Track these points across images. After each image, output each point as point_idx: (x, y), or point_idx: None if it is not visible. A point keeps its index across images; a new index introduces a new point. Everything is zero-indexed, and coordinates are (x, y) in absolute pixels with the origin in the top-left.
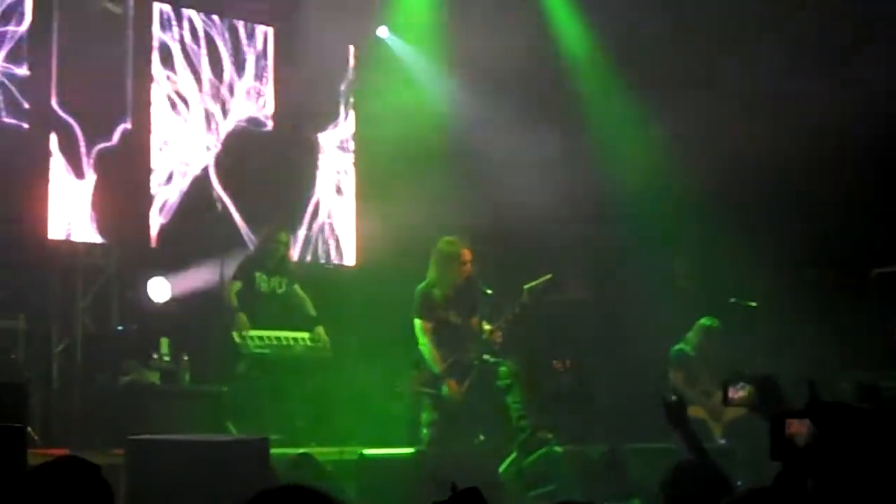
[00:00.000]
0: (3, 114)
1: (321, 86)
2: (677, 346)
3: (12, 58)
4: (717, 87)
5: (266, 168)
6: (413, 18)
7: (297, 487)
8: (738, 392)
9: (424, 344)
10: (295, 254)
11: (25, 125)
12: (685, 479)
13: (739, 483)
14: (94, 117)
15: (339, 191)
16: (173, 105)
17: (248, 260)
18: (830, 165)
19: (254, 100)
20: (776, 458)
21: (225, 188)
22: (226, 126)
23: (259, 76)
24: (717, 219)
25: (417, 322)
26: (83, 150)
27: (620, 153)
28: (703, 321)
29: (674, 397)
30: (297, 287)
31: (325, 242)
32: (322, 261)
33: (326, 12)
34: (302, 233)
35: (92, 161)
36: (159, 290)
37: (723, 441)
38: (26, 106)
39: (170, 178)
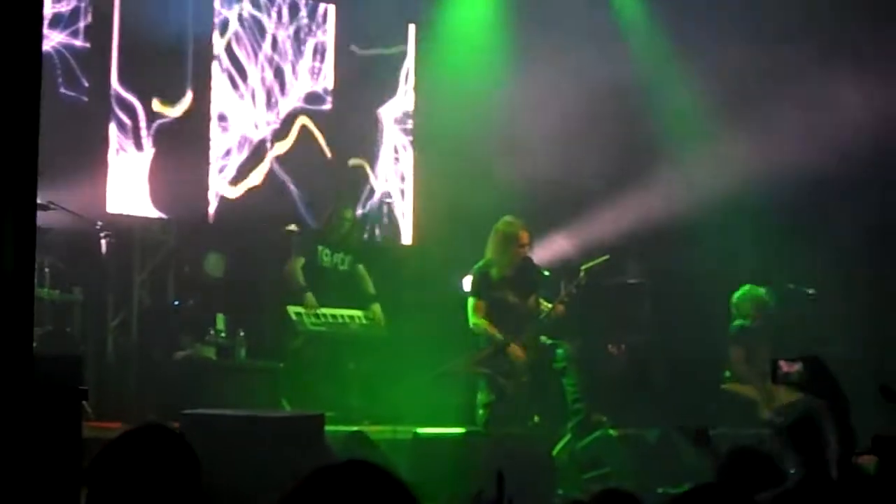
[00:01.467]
0: (63, 86)
1: (381, 64)
2: (736, 322)
3: (71, 31)
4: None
5: (325, 145)
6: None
7: (359, 463)
8: (790, 368)
9: (477, 322)
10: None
11: (85, 98)
12: (741, 463)
13: (793, 471)
14: (155, 92)
15: (397, 169)
16: (233, 81)
17: (312, 235)
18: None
19: (314, 77)
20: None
21: (283, 165)
22: (285, 103)
23: (319, 54)
24: (780, 208)
25: (471, 300)
26: (143, 124)
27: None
28: (759, 291)
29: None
30: (360, 266)
31: (383, 220)
32: (378, 239)
33: None
34: (359, 210)
35: (151, 136)
36: (215, 265)
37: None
38: (85, 81)
39: (228, 154)
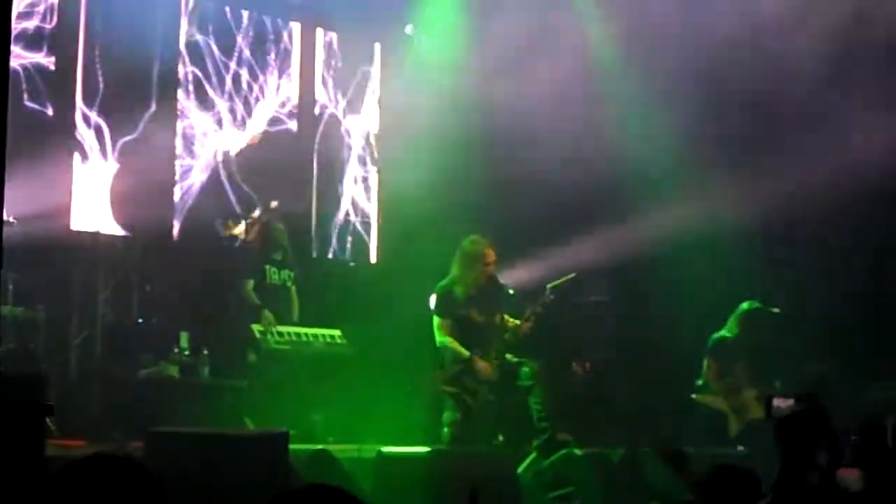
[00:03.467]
0: (27, 103)
1: (347, 83)
2: (717, 334)
3: (36, 48)
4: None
5: (289, 164)
6: (440, 17)
7: (321, 487)
8: (784, 403)
9: (443, 340)
10: (316, 250)
11: (50, 114)
12: (723, 482)
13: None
14: (119, 112)
15: (361, 188)
16: (199, 101)
17: (256, 255)
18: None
19: (279, 95)
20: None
21: (248, 184)
22: (250, 122)
23: (285, 74)
24: (749, 229)
25: (436, 319)
26: (107, 143)
27: (643, 151)
28: (744, 305)
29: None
30: (294, 288)
31: (347, 239)
32: (343, 258)
33: (353, 11)
34: (323, 229)
35: (116, 154)
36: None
37: (741, 447)
38: (49, 100)
39: (193, 173)
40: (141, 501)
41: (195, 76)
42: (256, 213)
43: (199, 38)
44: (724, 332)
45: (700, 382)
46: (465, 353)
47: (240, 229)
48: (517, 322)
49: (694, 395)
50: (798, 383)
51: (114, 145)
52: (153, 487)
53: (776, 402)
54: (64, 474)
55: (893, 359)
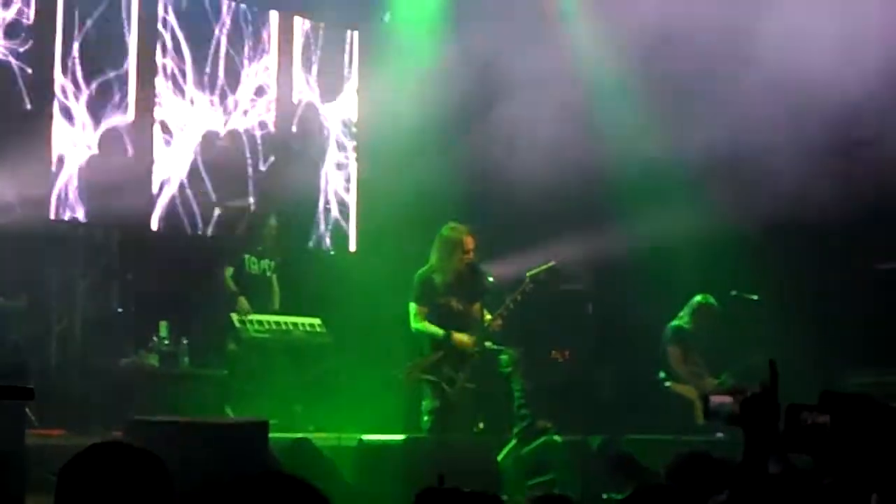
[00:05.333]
0: (7, 92)
1: (325, 71)
2: (673, 323)
3: (13, 36)
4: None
5: (267, 153)
6: (418, 4)
7: (277, 474)
8: (722, 400)
9: (418, 327)
10: (295, 239)
11: (28, 104)
12: (692, 469)
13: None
14: (97, 101)
15: (340, 177)
16: (177, 90)
17: (237, 243)
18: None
19: (256, 83)
20: (792, 450)
21: (225, 172)
22: (228, 110)
23: (261, 60)
24: (720, 209)
25: (413, 306)
26: (85, 132)
27: (624, 141)
28: (697, 298)
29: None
30: (275, 277)
31: (326, 228)
32: (323, 246)
33: None
34: (302, 218)
35: (94, 144)
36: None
37: (719, 434)
38: (27, 88)
39: (172, 163)
40: (153, 488)
41: (173, 65)
42: (244, 203)
43: (176, 26)
44: (679, 322)
45: (662, 374)
46: (441, 332)
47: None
48: (488, 317)
49: (668, 384)
50: (744, 374)
51: (92, 135)
52: (163, 475)
53: (713, 399)
54: (76, 463)
55: (867, 347)
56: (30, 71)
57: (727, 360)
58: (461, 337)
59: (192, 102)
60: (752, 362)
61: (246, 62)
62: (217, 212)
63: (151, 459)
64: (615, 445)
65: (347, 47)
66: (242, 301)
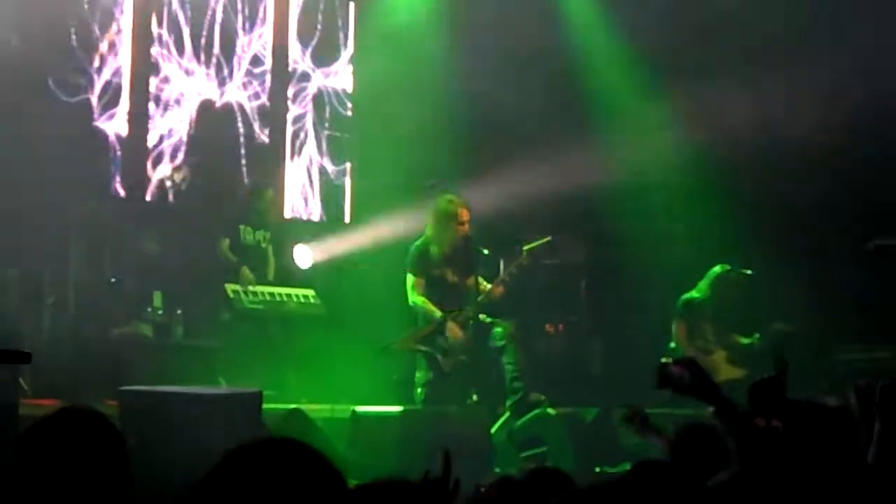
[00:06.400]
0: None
1: (321, 40)
2: (686, 295)
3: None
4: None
5: (263, 122)
6: None
7: (284, 441)
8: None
9: (415, 299)
10: (289, 211)
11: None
12: (695, 442)
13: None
14: (93, 70)
15: (335, 147)
16: (173, 60)
17: (232, 214)
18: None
19: (252, 52)
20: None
21: (221, 142)
22: (224, 79)
23: (258, 29)
24: (714, 182)
25: (410, 278)
26: (80, 100)
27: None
28: (716, 269)
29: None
30: (270, 248)
31: (320, 199)
32: (316, 218)
33: None
34: (297, 188)
35: (90, 112)
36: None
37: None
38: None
39: (167, 132)
40: (102, 449)
41: (169, 34)
42: (239, 174)
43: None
44: (693, 293)
45: (672, 345)
46: (438, 313)
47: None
48: (489, 286)
49: (662, 359)
50: (763, 343)
51: (87, 103)
52: (112, 435)
53: (674, 369)
54: (32, 430)
55: (863, 321)
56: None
57: (745, 328)
58: (454, 329)
59: (187, 73)
60: (772, 329)
61: (241, 32)
62: (211, 182)
63: (96, 419)
64: (610, 418)
65: (345, 17)
66: (245, 271)
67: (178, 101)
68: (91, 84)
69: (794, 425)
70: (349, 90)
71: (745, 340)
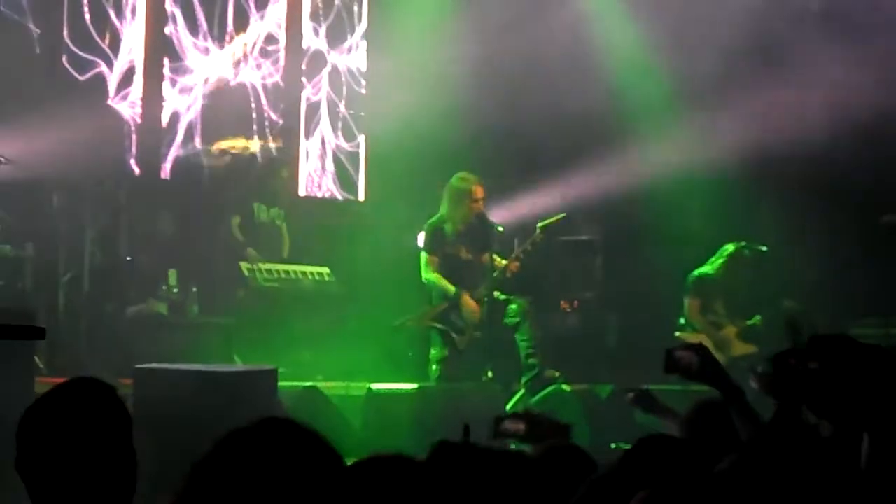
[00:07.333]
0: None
1: (335, 18)
2: (698, 271)
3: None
4: None
5: (276, 100)
6: None
7: (274, 420)
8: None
9: (430, 277)
10: (303, 188)
11: (37, 50)
12: (703, 417)
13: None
14: (107, 49)
15: (350, 125)
16: (186, 38)
17: (246, 191)
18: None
19: (266, 30)
20: (778, 398)
21: (234, 119)
22: (237, 57)
23: (271, 6)
24: (730, 160)
25: (424, 256)
26: (95, 80)
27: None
28: (729, 246)
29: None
30: (284, 225)
31: (335, 177)
32: (332, 195)
33: None
34: (312, 167)
35: (105, 93)
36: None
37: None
38: (38, 38)
39: (181, 111)
40: (105, 419)
41: (182, 13)
42: (253, 151)
43: None
44: (705, 269)
45: (682, 321)
46: (452, 288)
47: (228, 144)
48: (505, 262)
49: (677, 333)
50: (776, 319)
51: (102, 83)
52: (117, 408)
53: (682, 354)
54: (40, 400)
55: (872, 297)
56: (39, 18)
57: (757, 304)
58: (469, 303)
59: (201, 50)
60: (785, 307)
61: (255, 9)
62: (226, 160)
63: (104, 390)
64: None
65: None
66: (252, 252)
67: (192, 80)
68: (105, 62)
69: (831, 364)
70: (363, 68)
71: (749, 322)
